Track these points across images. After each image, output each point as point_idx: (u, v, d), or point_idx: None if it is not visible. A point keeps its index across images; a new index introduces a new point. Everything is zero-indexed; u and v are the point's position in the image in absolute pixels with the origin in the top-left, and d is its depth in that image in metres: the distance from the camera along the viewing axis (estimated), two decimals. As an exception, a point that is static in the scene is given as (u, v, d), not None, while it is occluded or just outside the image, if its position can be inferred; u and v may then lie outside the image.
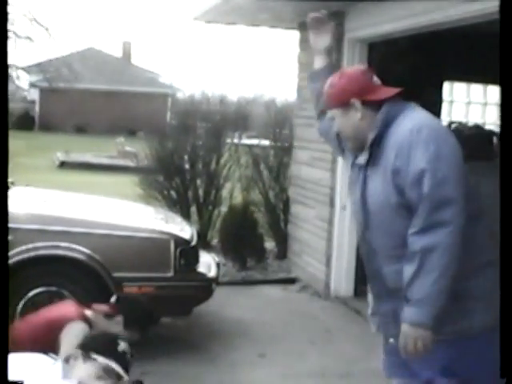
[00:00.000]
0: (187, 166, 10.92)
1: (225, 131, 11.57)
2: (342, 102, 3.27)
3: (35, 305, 5.91)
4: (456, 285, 3.05)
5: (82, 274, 5.94)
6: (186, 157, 10.98)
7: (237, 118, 13.66)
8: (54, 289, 5.93)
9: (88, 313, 4.40)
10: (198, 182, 10.81)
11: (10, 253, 5.83)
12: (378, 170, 3.21)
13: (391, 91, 3.29)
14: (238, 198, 10.82)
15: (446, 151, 3.05)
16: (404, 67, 8.07)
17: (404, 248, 3.10)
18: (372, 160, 3.24)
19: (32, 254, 5.86)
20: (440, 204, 2.99)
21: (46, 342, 4.11)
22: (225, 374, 6.01)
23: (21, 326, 4.52)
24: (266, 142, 11.64)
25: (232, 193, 10.88)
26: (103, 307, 4.44)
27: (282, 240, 10.15)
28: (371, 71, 3.39)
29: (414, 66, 8.36)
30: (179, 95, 47.20)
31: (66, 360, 3.44)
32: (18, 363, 3.46)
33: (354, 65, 7.91)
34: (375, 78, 3.34)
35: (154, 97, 48.23)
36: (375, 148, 3.22)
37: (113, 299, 4.50)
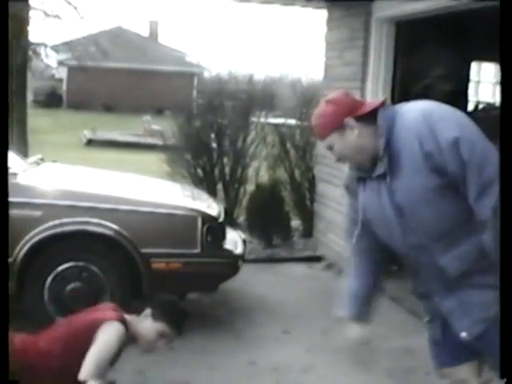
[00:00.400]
0: (214, 145, 10.96)
1: (251, 110, 11.59)
2: (337, 125, 3.27)
3: (64, 280, 6.01)
4: None
5: (110, 250, 6.02)
6: (212, 135, 11.02)
7: (263, 97, 13.60)
8: (82, 264, 6.01)
9: (126, 316, 4.46)
10: (225, 160, 10.86)
11: (40, 228, 5.92)
12: (402, 170, 3.19)
13: (377, 101, 3.34)
14: (264, 177, 10.86)
15: (462, 120, 3.11)
16: (431, 47, 8.05)
17: (460, 228, 3.13)
18: (390, 165, 3.23)
19: (61, 229, 5.94)
20: (483, 163, 3.00)
21: (86, 346, 4.17)
22: (249, 350, 6.08)
23: (59, 327, 4.56)
24: (292, 122, 11.66)
25: (258, 171, 10.93)
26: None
27: (308, 218, 10.19)
28: (350, 92, 3.40)
29: (441, 46, 8.34)
30: (206, 74, 47.18)
31: None
32: None
33: (381, 45, 7.91)
34: (356, 97, 3.38)
35: (181, 76, 48.21)
36: (388, 153, 3.22)
37: (148, 311, 4.51)
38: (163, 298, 4.62)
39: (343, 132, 3.27)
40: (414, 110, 3.21)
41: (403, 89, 7.84)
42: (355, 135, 3.26)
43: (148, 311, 4.35)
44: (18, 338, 4.37)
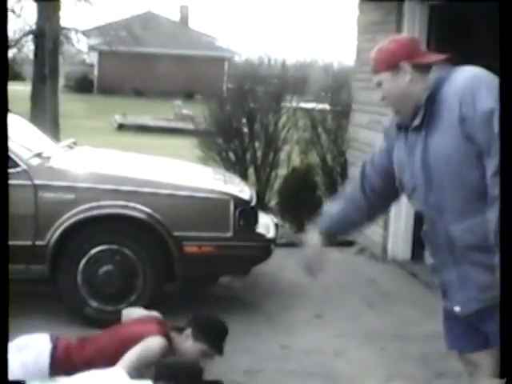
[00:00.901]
0: (245, 129, 10.97)
1: (283, 94, 11.57)
2: (392, 64, 3.28)
3: (97, 262, 6.04)
4: None
5: (142, 233, 6.03)
6: (244, 119, 11.02)
7: (295, 81, 13.57)
8: (115, 247, 6.03)
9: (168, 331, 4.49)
10: (257, 144, 10.86)
11: (73, 211, 5.95)
12: (439, 127, 3.19)
13: (441, 55, 3.32)
14: (296, 161, 10.85)
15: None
16: (464, 30, 7.96)
17: (476, 202, 3.10)
18: (428, 119, 3.23)
19: (94, 212, 5.97)
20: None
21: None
22: (282, 333, 6.08)
23: (105, 337, 4.60)
24: (323, 106, 11.62)
25: (290, 155, 10.91)
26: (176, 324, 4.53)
27: (339, 203, 10.14)
28: (417, 40, 3.46)
29: (474, 29, 8.25)
30: (236, 59, 47.15)
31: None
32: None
33: (414, 28, 7.85)
34: (422, 46, 3.38)
35: (211, 60, 48.20)
36: (430, 107, 3.22)
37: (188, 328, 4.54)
38: (205, 318, 4.60)
39: (396, 74, 3.28)
40: (466, 71, 3.20)
41: (441, 40, 7.73)
42: (406, 81, 3.27)
43: (189, 331, 4.39)
44: (61, 343, 4.42)
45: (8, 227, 2.65)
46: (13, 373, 4.18)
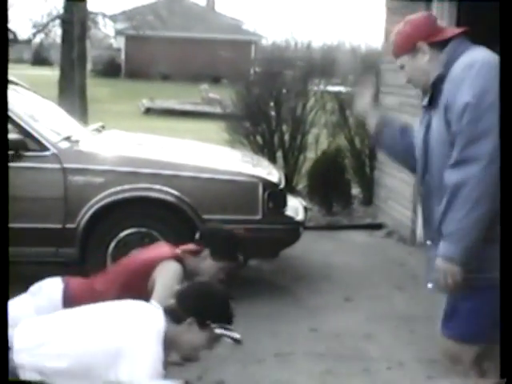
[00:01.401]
0: (273, 112, 10.94)
1: (310, 78, 11.52)
2: (409, 47, 3.28)
3: (126, 245, 6.05)
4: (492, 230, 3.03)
5: (171, 216, 6.04)
6: (271, 103, 10.99)
7: (322, 64, 13.52)
8: (144, 230, 6.04)
9: (179, 252, 4.45)
10: (284, 127, 10.84)
11: (102, 194, 5.96)
12: (438, 109, 3.22)
13: (456, 30, 3.31)
14: (324, 144, 10.81)
15: (494, 86, 3.01)
16: (495, 23, 7.86)
17: None
18: (434, 100, 3.25)
19: (123, 195, 5.98)
20: (475, 138, 2.98)
21: (142, 285, 4.19)
22: (311, 316, 6.07)
23: (115, 269, 4.59)
24: (350, 89, 11.55)
25: (318, 138, 10.88)
26: (190, 246, 4.48)
27: (368, 186, 10.13)
28: (433, 15, 3.44)
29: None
30: (263, 42, 47.03)
31: (168, 312, 3.43)
32: (121, 311, 3.52)
33: (443, 9, 7.77)
34: (439, 21, 3.35)
35: (238, 44, 48.10)
36: (437, 88, 3.23)
37: (197, 236, 4.52)
38: (220, 236, 4.54)
39: (415, 55, 3.28)
40: (470, 56, 3.18)
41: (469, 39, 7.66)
42: (426, 60, 3.27)
43: (206, 252, 4.36)
44: (73, 282, 4.40)
45: (8, 224, 2.62)
46: (27, 316, 4.17)
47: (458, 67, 3.15)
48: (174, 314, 3.38)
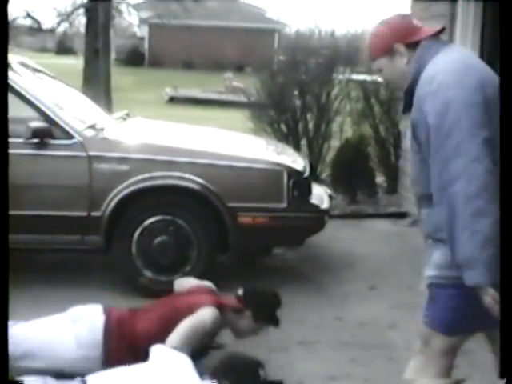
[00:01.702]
0: (297, 101, 10.91)
1: (334, 66, 11.47)
2: (386, 49, 3.18)
3: (151, 233, 6.07)
4: None
5: (196, 204, 6.04)
6: (295, 91, 10.97)
7: (347, 52, 13.46)
8: (169, 218, 6.05)
9: (220, 302, 4.49)
10: (309, 115, 10.80)
11: (127, 182, 5.97)
12: (411, 116, 3.15)
13: (432, 30, 3.19)
14: (348, 132, 10.78)
15: (460, 96, 2.91)
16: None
17: (428, 193, 3.07)
18: (409, 106, 3.16)
19: (148, 183, 5.99)
20: (447, 160, 2.88)
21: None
22: (336, 305, 6.06)
23: (157, 308, 4.61)
24: (375, 78, 11.49)
25: (342, 126, 10.85)
26: (232, 301, 4.51)
27: (393, 174, 10.09)
28: (408, 15, 3.33)
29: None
30: (286, 30, 46.90)
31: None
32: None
33: (468, 26, 7.70)
34: (415, 21, 3.24)
35: (261, 32, 48.02)
36: (410, 93, 3.15)
37: (240, 292, 4.54)
38: (265, 298, 4.57)
39: (393, 57, 3.19)
40: (436, 63, 3.06)
41: (494, 39, 7.61)
42: (404, 62, 3.17)
43: (249, 313, 4.40)
44: (114, 314, 4.45)
45: (8, 222, 2.62)
46: (66, 344, 4.23)
47: (423, 78, 3.05)
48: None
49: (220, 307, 4.35)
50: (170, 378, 3.58)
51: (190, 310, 4.26)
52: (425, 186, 3.10)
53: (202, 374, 3.65)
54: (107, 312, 4.41)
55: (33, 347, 4.25)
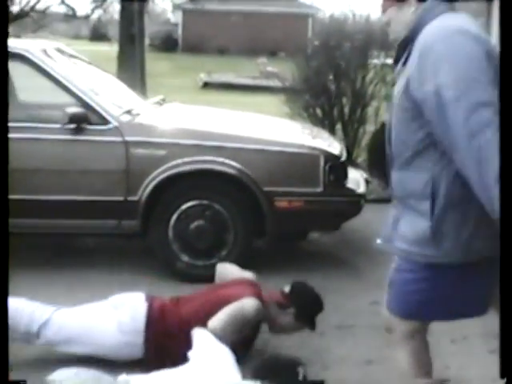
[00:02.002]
0: (332, 85, 10.87)
1: (369, 50, 11.41)
2: None
3: (188, 218, 6.08)
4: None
5: (233, 189, 6.04)
6: (330, 76, 10.92)
7: (381, 37, 13.35)
8: (205, 202, 6.06)
9: (264, 296, 4.49)
10: (344, 100, 10.76)
11: (164, 167, 5.98)
12: (403, 72, 3.05)
13: None
14: (384, 117, 10.71)
15: (461, 66, 2.82)
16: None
17: (405, 155, 3.04)
18: (402, 60, 3.08)
19: (185, 168, 6.00)
20: (476, 107, 2.77)
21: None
22: (371, 289, 6.02)
23: (201, 297, 4.62)
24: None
25: (378, 111, 10.79)
26: (276, 295, 4.51)
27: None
28: None
29: None
30: (320, 15, 46.70)
31: None
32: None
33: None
34: None
35: (295, 17, 47.87)
36: (406, 47, 3.06)
37: (286, 288, 4.54)
38: (311, 301, 4.57)
39: (402, 7, 3.10)
40: (436, 26, 2.96)
41: None
42: (411, 12, 3.09)
43: (292, 310, 4.41)
44: (156, 302, 4.47)
45: (8, 220, 2.61)
46: (108, 330, 4.25)
47: (421, 42, 2.95)
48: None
49: (263, 300, 4.35)
50: (213, 378, 3.58)
51: (233, 301, 4.26)
52: (405, 146, 3.05)
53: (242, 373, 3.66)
54: (149, 300, 4.43)
55: (74, 333, 4.29)
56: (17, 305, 4.24)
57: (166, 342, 4.24)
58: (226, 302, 4.27)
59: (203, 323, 4.13)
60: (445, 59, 2.85)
